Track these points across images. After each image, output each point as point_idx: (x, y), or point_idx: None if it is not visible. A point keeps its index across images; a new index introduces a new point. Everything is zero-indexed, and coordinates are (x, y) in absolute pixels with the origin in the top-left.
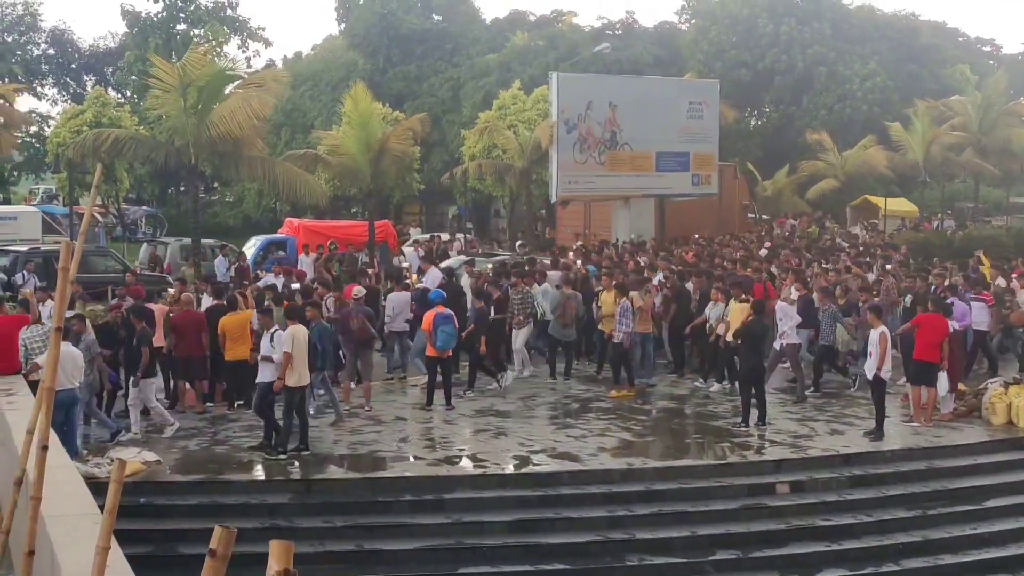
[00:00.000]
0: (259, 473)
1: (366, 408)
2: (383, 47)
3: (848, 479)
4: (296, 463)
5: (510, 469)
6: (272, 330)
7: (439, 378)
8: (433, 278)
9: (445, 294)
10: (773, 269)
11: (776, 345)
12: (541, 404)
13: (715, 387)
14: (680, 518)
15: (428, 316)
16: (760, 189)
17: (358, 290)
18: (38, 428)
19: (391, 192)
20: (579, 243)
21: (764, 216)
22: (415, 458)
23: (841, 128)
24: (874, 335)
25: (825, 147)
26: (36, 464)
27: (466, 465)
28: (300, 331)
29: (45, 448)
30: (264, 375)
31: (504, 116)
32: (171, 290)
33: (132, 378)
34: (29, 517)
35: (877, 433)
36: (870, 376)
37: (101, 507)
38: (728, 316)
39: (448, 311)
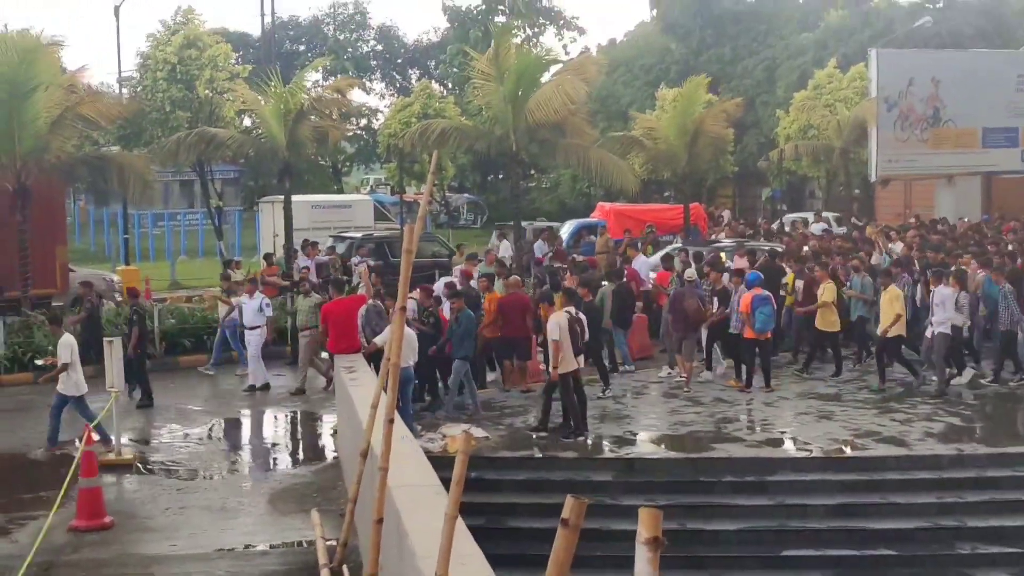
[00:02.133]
0: (583, 451)
1: (685, 389)
2: (696, 30)
3: None
4: (619, 443)
5: (833, 452)
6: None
7: (758, 360)
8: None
9: (762, 276)
10: None
11: None
12: (862, 388)
13: None
14: (1015, 507)
15: (746, 298)
16: None
17: (690, 272)
18: (385, 403)
19: (705, 175)
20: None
21: None
22: (736, 439)
23: None
24: None
25: None
26: (383, 436)
27: (788, 447)
28: (561, 317)
29: (391, 421)
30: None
31: (820, 96)
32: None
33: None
34: (377, 487)
35: None
36: None
37: (442, 479)
38: None
39: (766, 292)
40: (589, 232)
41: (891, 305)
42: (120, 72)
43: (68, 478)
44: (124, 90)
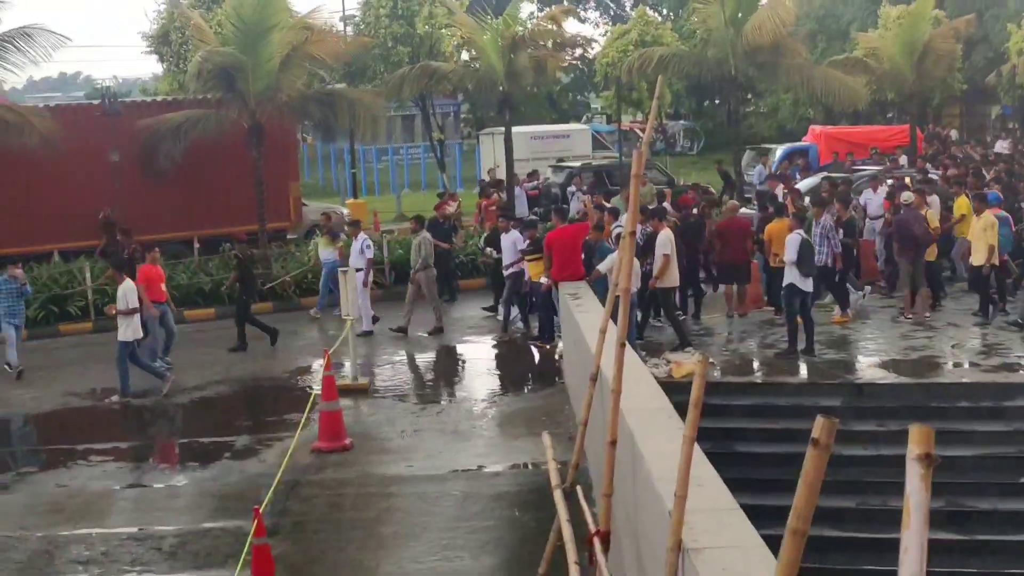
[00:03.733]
0: (810, 376)
1: (906, 316)
2: None
3: None
4: (846, 367)
5: None
6: None
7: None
8: None
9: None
10: None
11: None
12: None
13: None
14: None
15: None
16: None
17: (907, 196)
18: (618, 326)
19: (931, 94)
20: None
21: None
22: (970, 364)
23: None
24: None
25: None
26: (615, 360)
27: None
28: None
29: (623, 345)
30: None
31: None
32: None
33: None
34: (610, 409)
35: None
36: None
37: (674, 404)
38: None
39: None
40: (800, 156)
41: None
42: (344, 11)
43: (310, 402)
44: (348, 29)
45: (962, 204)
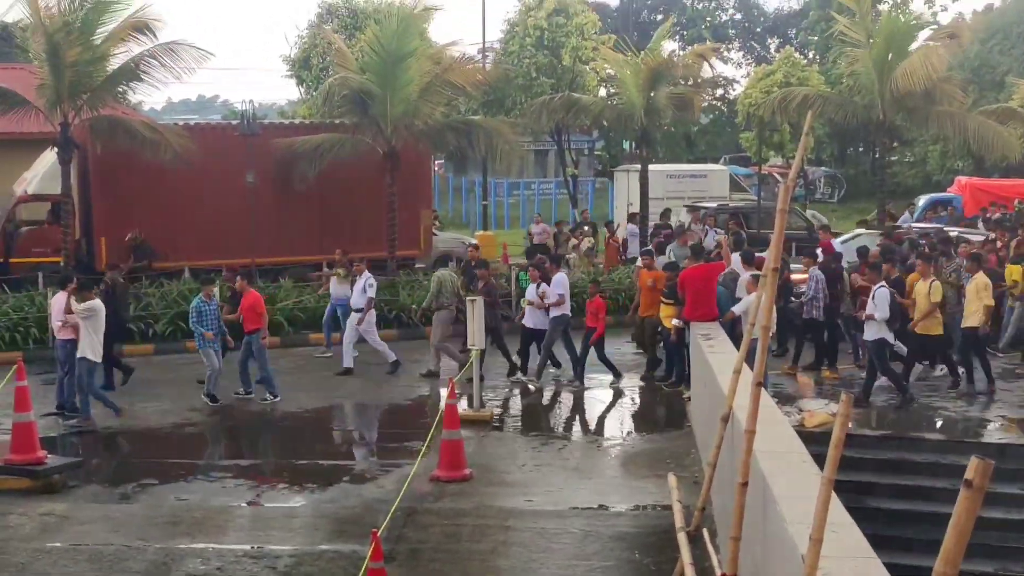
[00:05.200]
0: (949, 433)
1: None
2: None
3: None
4: (986, 427)
5: None
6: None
7: None
8: None
9: None
10: None
11: None
12: None
13: None
14: None
15: None
16: None
17: None
18: (755, 366)
19: None
20: None
21: None
22: None
23: None
24: None
25: None
26: (751, 399)
27: None
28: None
29: (759, 384)
30: None
31: None
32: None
33: None
34: (743, 449)
35: None
36: None
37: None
38: None
39: None
40: (943, 206)
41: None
42: (484, 40)
43: (431, 430)
44: (488, 57)
45: None
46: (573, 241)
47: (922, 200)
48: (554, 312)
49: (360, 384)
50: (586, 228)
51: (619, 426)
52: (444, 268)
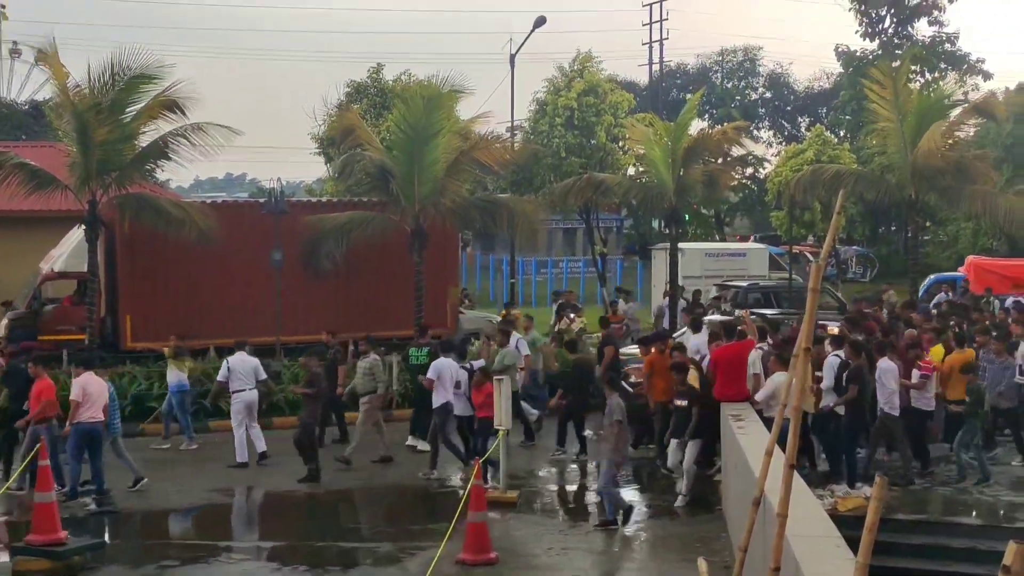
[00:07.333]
0: (987, 518)
1: None
2: None
3: None
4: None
5: None
6: None
7: None
8: None
9: None
10: None
11: None
12: None
13: None
14: None
15: None
16: None
17: None
18: (787, 448)
19: None
20: None
21: None
22: None
23: None
24: None
25: None
26: (783, 481)
27: None
28: None
29: (792, 467)
30: None
31: None
32: None
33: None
34: (776, 534)
35: None
36: None
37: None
38: None
39: None
40: (948, 287)
41: None
42: (512, 118)
43: (457, 512)
44: (517, 135)
45: None
46: (565, 322)
47: (928, 279)
48: (437, 400)
49: (383, 465)
50: (571, 315)
51: (648, 509)
52: (374, 354)
